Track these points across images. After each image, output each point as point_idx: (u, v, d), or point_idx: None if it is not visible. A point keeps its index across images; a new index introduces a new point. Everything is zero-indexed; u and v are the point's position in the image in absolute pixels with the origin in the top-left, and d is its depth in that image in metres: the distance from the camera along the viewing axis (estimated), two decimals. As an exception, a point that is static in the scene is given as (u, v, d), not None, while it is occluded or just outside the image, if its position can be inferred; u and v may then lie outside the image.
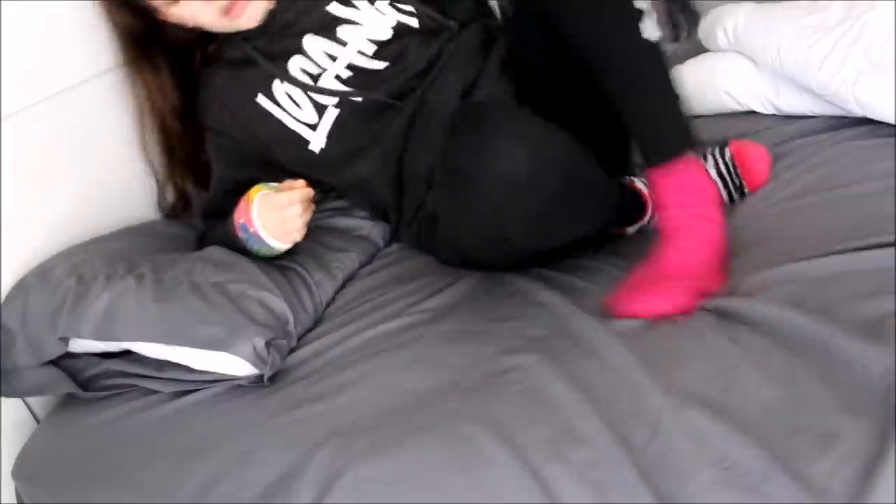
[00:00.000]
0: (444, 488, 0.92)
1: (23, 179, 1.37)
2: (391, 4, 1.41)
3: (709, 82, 1.64)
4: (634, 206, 1.32)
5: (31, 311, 1.25)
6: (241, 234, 1.32)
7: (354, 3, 1.40)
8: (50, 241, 1.40)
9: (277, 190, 1.29)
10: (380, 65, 1.38)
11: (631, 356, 1.00)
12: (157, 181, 1.55)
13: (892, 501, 0.77)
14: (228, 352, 1.17)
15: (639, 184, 1.35)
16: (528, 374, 1.02)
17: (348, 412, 1.07)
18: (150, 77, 1.43)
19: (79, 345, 1.26)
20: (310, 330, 1.31)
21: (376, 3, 1.40)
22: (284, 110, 1.39)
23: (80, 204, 1.46)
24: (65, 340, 1.24)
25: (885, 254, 1.03)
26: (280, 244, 1.31)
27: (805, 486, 0.80)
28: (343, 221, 1.55)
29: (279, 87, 1.39)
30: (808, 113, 1.52)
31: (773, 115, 1.58)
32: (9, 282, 1.31)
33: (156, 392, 1.25)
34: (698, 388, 0.94)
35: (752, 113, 1.61)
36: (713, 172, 1.32)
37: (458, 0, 1.45)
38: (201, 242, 1.44)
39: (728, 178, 1.33)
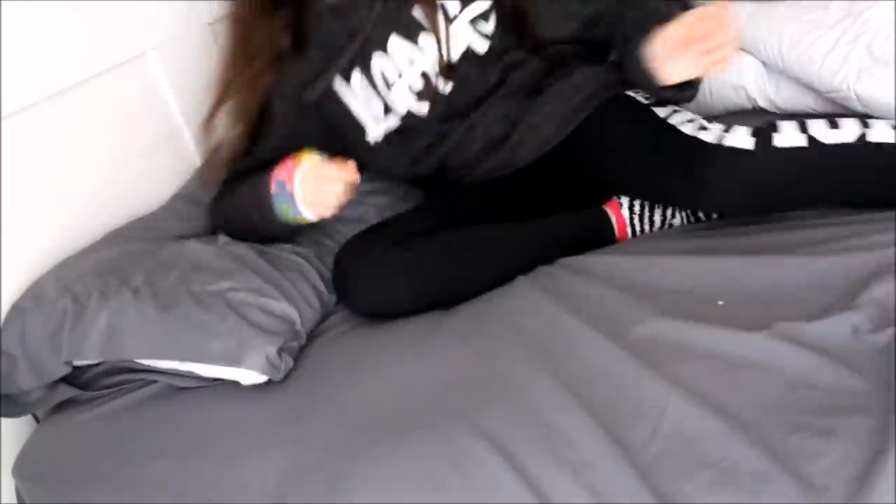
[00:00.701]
0: (442, 489, 0.92)
1: (22, 180, 1.37)
2: (470, 23, 1.39)
3: (717, 79, 1.63)
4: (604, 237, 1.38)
5: (29, 334, 1.24)
6: (273, 189, 1.29)
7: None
8: (50, 240, 1.40)
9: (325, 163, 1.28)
10: (446, 85, 1.41)
11: (629, 356, 1.00)
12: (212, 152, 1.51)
13: (892, 501, 0.76)
14: (242, 367, 1.16)
15: (624, 212, 1.38)
16: (524, 376, 1.02)
17: (351, 411, 1.08)
18: (262, 22, 1.41)
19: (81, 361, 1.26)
20: (319, 322, 1.31)
21: (454, 24, 1.38)
22: (356, 97, 1.42)
23: (80, 205, 1.46)
24: (69, 362, 1.24)
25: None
26: (307, 213, 1.27)
27: (804, 485, 0.80)
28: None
29: (357, 77, 1.41)
30: (808, 111, 1.51)
31: (776, 114, 1.58)
32: (9, 282, 1.31)
33: (155, 383, 1.25)
34: (698, 386, 0.93)
35: (763, 111, 1.61)
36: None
37: (557, 22, 1.43)
38: (220, 198, 1.44)
39: None
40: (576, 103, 1.37)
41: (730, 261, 1.15)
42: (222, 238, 1.40)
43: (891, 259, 1.03)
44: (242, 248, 1.35)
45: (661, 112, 1.30)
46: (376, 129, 1.44)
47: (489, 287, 1.27)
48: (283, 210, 1.29)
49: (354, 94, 1.42)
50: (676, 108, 1.32)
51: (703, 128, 1.23)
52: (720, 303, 1.07)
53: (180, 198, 1.59)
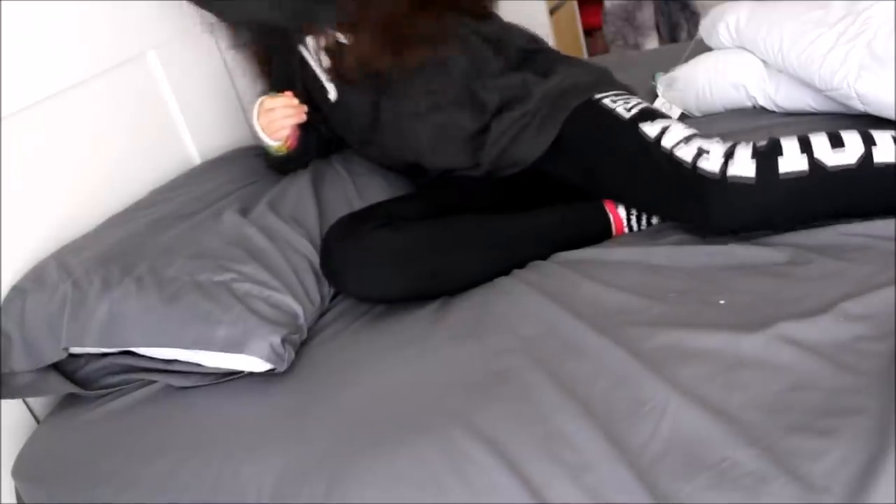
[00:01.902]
0: (440, 490, 0.92)
1: (22, 181, 1.37)
2: None
3: (718, 77, 1.63)
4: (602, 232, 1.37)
5: (28, 316, 1.24)
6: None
7: None
8: (50, 240, 1.40)
9: (274, 97, 1.46)
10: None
11: (628, 357, 0.99)
12: None
13: (892, 501, 0.76)
14: (246, 353, 1.16)
15: (621, 211, 1.37)
16: (522, 376, 1.02)
17: (349, 411, 1.07)
18: None
19: (79, 348, 1.26)
20: (319, 316, 1.31)
21: None
22: (315, 59, 1.51)
23: (80, 205, 1.46)
24: (65, 348, 1.23)
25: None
26: (270, 140, 1.50)
27: (804, 485, 0.80)
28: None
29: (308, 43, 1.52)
30: (808, 109, 1.51)
31: (776, 113, 1.58)
32: (7, 282, 1.31)
33: (154, 384, 1.25)
34: (698, 387, 0.93)
35: (763, 109, 1.61)
36: None
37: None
38: None
39: None
40: (546, 112, 1.37)
41: (730, 260, 1.15)
42: (227, 217, 1.38)
43: (891, 265, 1.02)
44: (251, 231, 1.34)
45: (649, 130, 1.26)
46: (332, 91, 1.50)
47: (480, 277, 1.27)
48: (265, 147, 1.53)
49: (311, 54, 1.51)
50: (665, 122, 1.27)
51: (702, 150, 1.19)
52: (721, 302, 1.07)
53: (175, 185, 1.58)
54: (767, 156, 1.14)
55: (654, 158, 1.23)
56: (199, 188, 1.53)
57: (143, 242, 1.33)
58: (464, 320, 1.18)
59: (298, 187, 1.49)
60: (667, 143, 1.23)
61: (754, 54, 1.57)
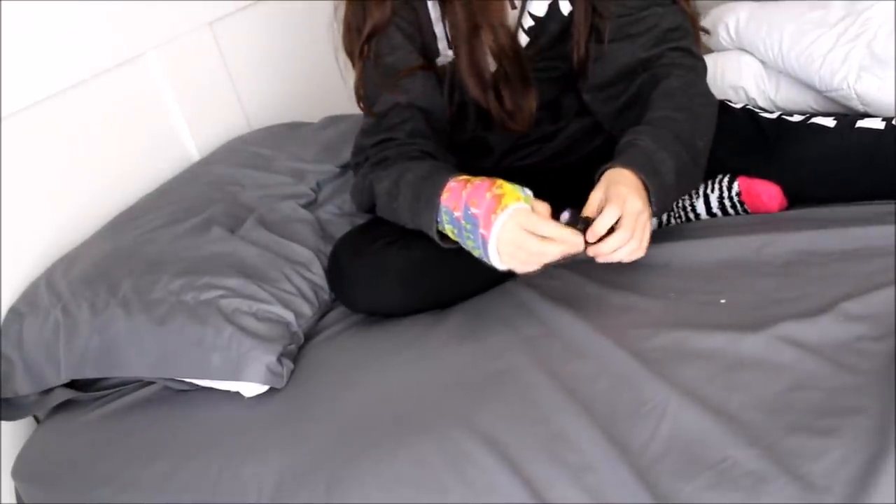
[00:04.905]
0: (440, 491, 0.92)
1: (22, 180, 1.37)
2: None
3: (716, 80, 1.63)
4: None
5: (26, 340, 1.25)
6: (462, 219, 1.08)
7: None
8: (50, 240, 1.40)
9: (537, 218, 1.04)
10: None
11: (628, 357, 0.99)
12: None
13: (893, 501, 0.76)
14: (242, 380, 1.15)
15: None
16: (523, 377, 1.02)
17: (350, 412, 1.07)
18: None
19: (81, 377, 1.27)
20: (319, 318, 1.30)
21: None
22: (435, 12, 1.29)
23: (80, 205, 1.46)
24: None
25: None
26: (500, 266, 1.07)
27: (805, 485, 0.80)
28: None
29: None
30: (808, 110, 1.51)
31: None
32: (11, 284, 1.32)
33: (154, 384, 1.25)
34: (698, 387, 0.93)
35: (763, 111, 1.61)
36: (715, 204, 1.32)
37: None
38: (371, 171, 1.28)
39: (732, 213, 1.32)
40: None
41: (731, 262, 1.15)
42: (214, 231, 1.35)
43: (891, 265, 1.02)
44: (238, 243, 1.32)
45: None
46: (444, 52, 1.31)
47: (490, 285, 1.26)
48: (469, 245, 1.10)
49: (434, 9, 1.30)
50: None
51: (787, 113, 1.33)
52: (722, 301, 1.07)
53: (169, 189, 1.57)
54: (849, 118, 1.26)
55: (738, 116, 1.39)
56: (192, 191, 1.51)
57: (129, 257, 1.31)
58: (464, 321, 1.18)
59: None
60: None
61: (754, 55, 1.57)
